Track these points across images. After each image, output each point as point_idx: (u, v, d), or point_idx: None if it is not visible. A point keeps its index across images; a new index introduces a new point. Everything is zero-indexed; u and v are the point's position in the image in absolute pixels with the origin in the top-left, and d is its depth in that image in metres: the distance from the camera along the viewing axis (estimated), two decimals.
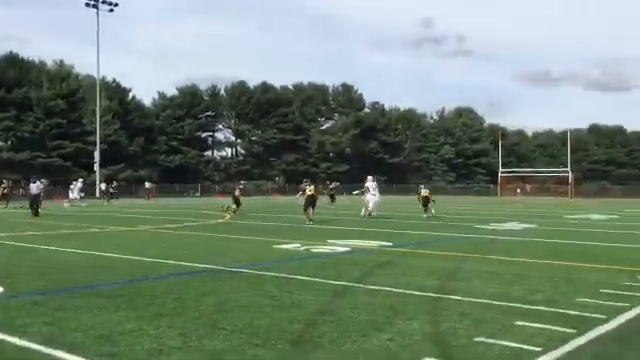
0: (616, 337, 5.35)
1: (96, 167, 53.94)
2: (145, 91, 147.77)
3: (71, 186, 36.42)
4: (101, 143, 55.52)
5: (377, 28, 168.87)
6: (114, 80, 69.09)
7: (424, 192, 25.02)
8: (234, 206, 25.55)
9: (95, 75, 56.94)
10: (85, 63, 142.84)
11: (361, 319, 5.92)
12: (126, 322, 5.76)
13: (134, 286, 7.78)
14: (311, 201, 20.73)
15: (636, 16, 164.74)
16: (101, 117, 57.07)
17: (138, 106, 71.32)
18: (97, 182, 51.44)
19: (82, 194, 36.96)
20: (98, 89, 55.88)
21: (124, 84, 70.25)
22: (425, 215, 23.93)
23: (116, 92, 67.64)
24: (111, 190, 43.93)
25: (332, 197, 33.58)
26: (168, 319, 5.88)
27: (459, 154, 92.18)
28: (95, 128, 55.80)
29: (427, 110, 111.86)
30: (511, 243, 14.04)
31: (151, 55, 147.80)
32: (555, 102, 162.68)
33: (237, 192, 26.52)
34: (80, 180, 38.54)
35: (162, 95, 76.42)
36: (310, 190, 21.03)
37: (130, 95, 70.57)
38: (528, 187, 72.67)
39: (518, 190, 69.06)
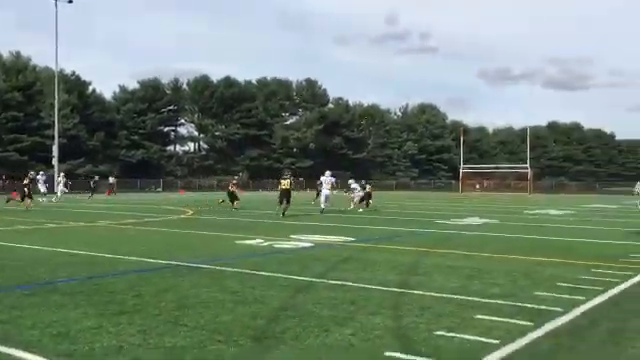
0: (571, 330, 5.49)
1: (54, 162, 52.71)
2: (106, 84, 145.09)
3: (38, 176, 34.84)
4: (60, 137, 54.23)
5: (341, 24, 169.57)
6: (73, 73, 67.71)
7: (368, 188, 27.56)
8: (227, 201, 25.58)
9: (53, 67, 55.63)
10: (43, 55, 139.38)
11: (323, 314, 5.94)
12: (85, 319, 5.66)
13: (93, 283, 7.65)
14: (285, 194, 20.97)
15: (591, 16, 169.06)
16: (60, 110, 55.74)
17: (98, 100, 69.95)
18: (55, 177, 50.26)
19: (65, 189, 36.22)
20: (57, 82, 54.54)
21: (84, 77, 68.96)
22: (360, 209, 25.64)
23: (75, 85, 66.20)
24: (92, 185, 43.12)
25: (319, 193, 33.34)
26: (128, 316, 5.80)
27: (422, 150, 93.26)
28: (53, 122, 54.50)
29: (390, 106, 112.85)
30: (471, 238, 14.27)
31: (112, 48, 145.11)
32: (515, 99, 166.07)
33: (231, 186, 26.28)
34: (62, 174, 37.99)
35: (123, 89, 75.20)
36: (284, 184, 21.25)
37: (90, 88, 69.20)
38: (485, 183, 73.91)
39: (477, 186, 70.23)
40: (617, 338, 5.23)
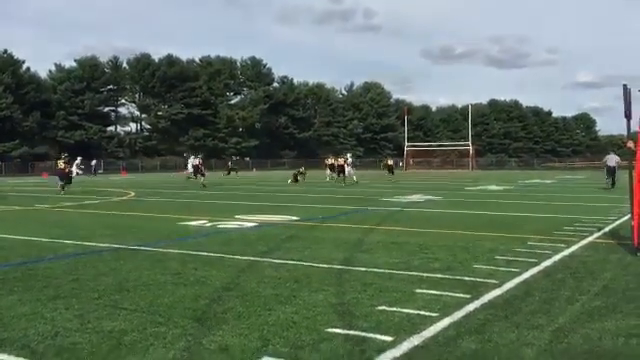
0: (506, 301, 5.67)
1: None
2: (41, 63, 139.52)
3: (76, 161, 39.12)
4: None
5: (285, 2, 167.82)
6: (5, 51, 64.76)
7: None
8: (338, 175, 30.32)
9: None
10: None
11: (266, 293, 5.94)
12: (19, 305, 5.48)
13: (29, 268, 7.41)
14: (340, 169, 29.92)
15: None
16: None
17: (33, 79, 67.22)
18: None
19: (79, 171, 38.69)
20: None
21: (17, 55, 66.08)
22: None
23: (8, 63, 63.40)
24: (230, 165, 42.35)
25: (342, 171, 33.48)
26: (65, 301, 5.65)
27: (367, 129, 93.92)
28: None
29: (336, 85, 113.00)
30: (414, 214, 14.53)
31: (46, 25, 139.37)
32: (458, 78, 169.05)
33: (342, 161, 30.43)
34: (79, 158, 41.35)
35: (59, 67, 72.40)
36: (340, 161, 29.96)
37: (24, 67, 66.43)
38: (412, 161, 74.75)
39: (400, 164, 70.77)
40: (549, 307, 5.44)
